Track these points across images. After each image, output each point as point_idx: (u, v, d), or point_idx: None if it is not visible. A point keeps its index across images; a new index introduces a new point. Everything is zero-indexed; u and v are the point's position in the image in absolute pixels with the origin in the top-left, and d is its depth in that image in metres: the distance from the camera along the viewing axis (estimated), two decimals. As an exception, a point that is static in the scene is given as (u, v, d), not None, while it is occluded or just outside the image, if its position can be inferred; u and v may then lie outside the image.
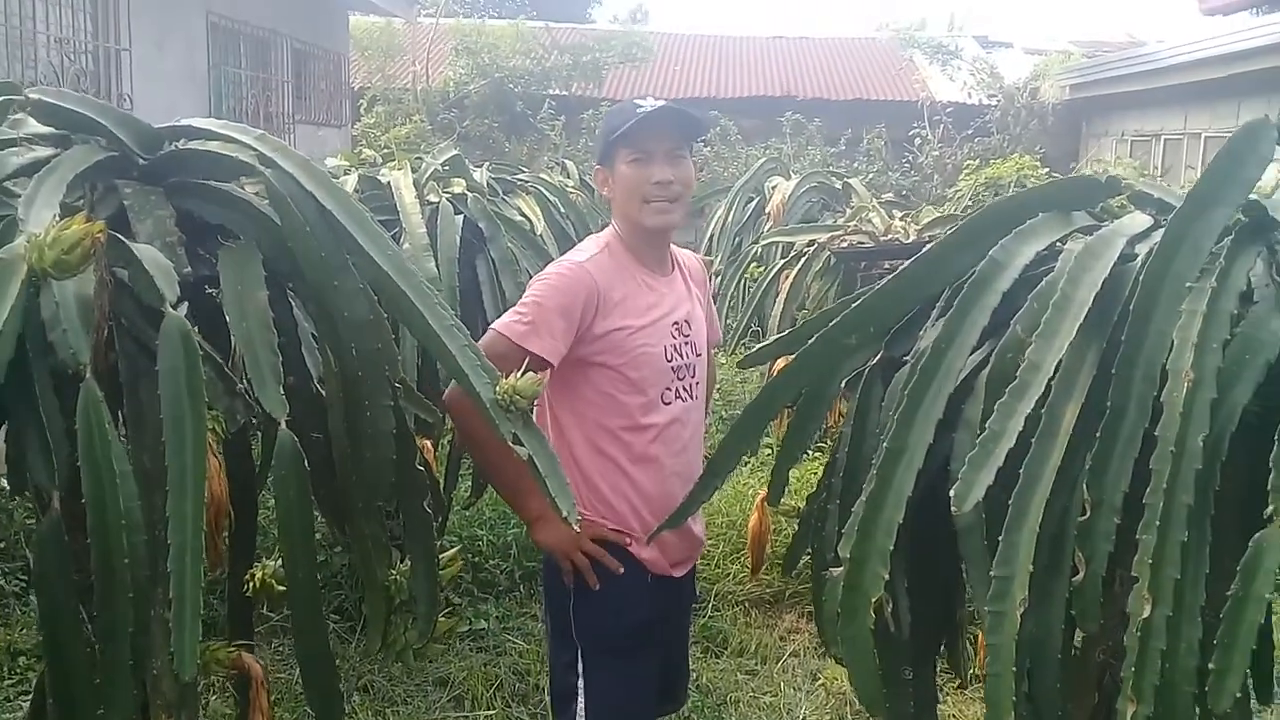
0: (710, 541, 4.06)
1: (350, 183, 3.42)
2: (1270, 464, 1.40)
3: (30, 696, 1.80)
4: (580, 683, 2.18)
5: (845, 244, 4.07)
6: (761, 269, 5.03)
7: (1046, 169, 9.15)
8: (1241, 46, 8.08)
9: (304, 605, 1.60)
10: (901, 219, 4.43)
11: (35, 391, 1.42)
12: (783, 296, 4.31)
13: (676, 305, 2.24)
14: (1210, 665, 1.37)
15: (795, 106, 12.25)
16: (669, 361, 2.19)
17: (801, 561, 2.21)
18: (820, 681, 3.35)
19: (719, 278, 5.73)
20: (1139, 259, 1.64)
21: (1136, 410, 1.49)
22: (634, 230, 2.21)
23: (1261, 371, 1.49)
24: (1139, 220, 1.75)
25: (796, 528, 2.23)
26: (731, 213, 6.87)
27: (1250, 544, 1.37)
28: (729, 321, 5.29)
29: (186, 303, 1.50)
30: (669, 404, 2.20)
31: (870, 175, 10.02)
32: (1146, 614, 1.38)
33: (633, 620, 2.20)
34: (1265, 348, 1.49)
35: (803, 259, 4.34)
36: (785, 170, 7.67)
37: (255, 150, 1.68)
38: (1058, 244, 1.76)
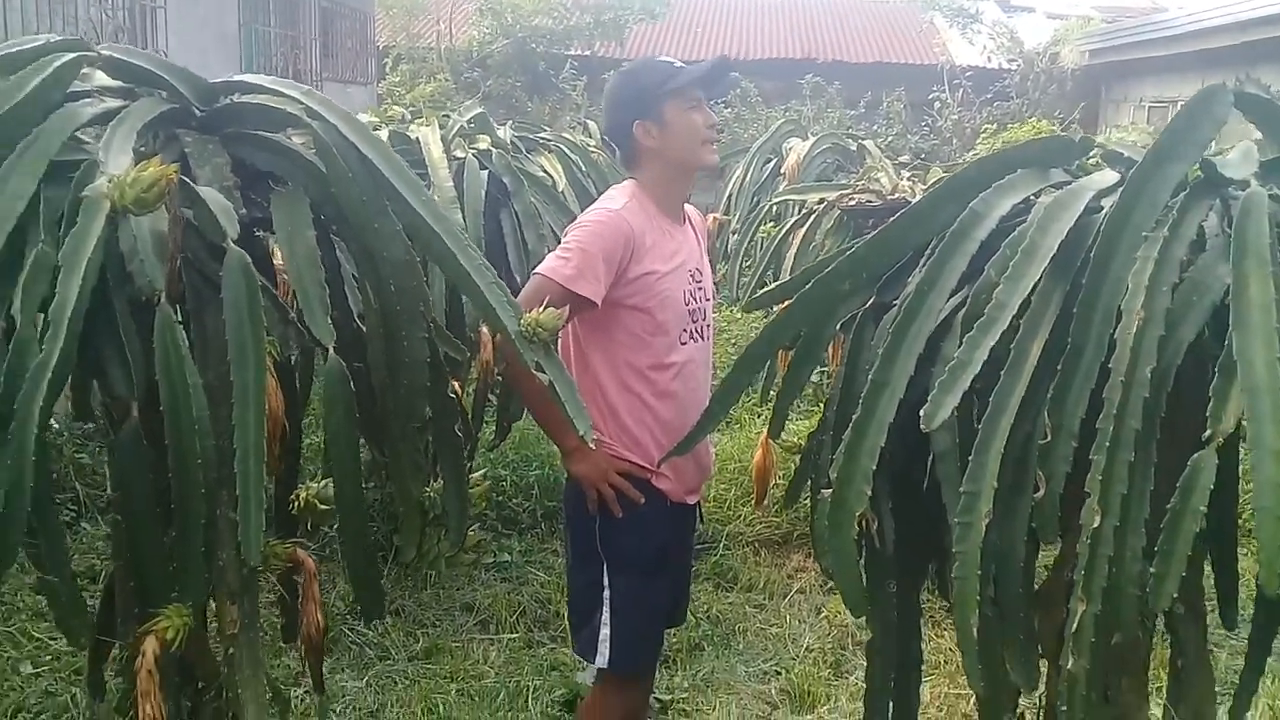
0: (722, 485, 4.27)
1: (381, 138, 3.59)
2: (1210, 393, 1.57)
3: (99, 598, 2.00)
4: (606, 594, 2.38)
5: (853, 202, 4.22)
6: (775, 226, 5.19)
7: (1065, 133, 9.25)
8: (1258, 14, 8.12)
9: (349, 508, 1.80)
10: (909, 178, 4.58)
11: (115, 315, 1.61)
12: (793, 251, 4.48)
13: (691, 253, 2.46)
14: (1151, 570, 1.55)
15: (815, 69, 12.33)
16: (686, 305, 2.40)
17: (803, 498, 2.40)
18: (824, 614, 3.55)
19: (736, 234, 5.89)
20: (1103, 211, 1.80)
21: (1094, 346, 1.66)
22: (680, 175, 2.43)
23: (1208, 312, 1.65)
24: (1107, 176, 1.91)
25: (798, 463, 2.42)
26: (750, 173, 7.00)
27: (1189, 464, 1.54)
28: (744, 278, 5.46)
29: (240, 241, 1.69)
30: (685, 344, 2.41)
31: (889, 138, 10.11)
32: (1096, 524, 1.56)
33: (654, 542, 2.41)
34: (1211, 291, 1.65)
35: (813, 216, 4.51)
36: (804, 132, 7.77)
37: (303, 104, 1.85)
38: (1032, 198, 1.92)
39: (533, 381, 2.16)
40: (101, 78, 1.88)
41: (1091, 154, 2.10)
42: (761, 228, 5.63)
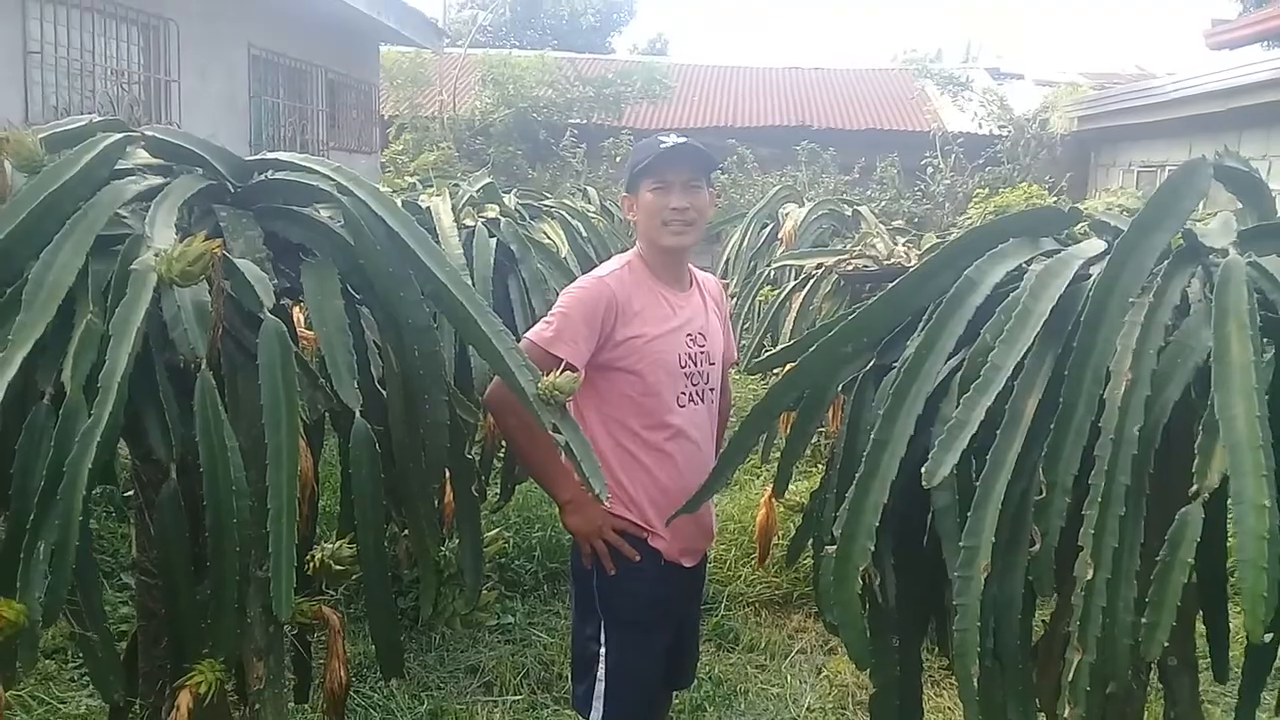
0: (723, 546, 4.32)
1: (404, 211, 3.72)
2: (1195, 450, 1.65)
3: (125, 644, 2.07)
4: (602, 650, 2.45)
5: (851, 267, 4.33)
6: (774, 290, 5.31)
7: (1055, 198, 9.44)
8: (1243, 81, 8.34)
9: (373, 565, 1.87)
10: (904, 244, 4.70)
11: (155, 381, 1.70)
12: (793, 315, 4.58)
13: (692, 317, 2.52)
14: (1144, 619, 1.62)
15: (811, 136, 12.56)
16: (683, 367, 2.46)
17: (804, 558, 2.47)
18: (824, 675, 3.59)
19: (734, 299, 6.00)
20: (1092, 278, 1.89)
21: (1085, 406, 1.74)
22: (653, 249, 2.49)
23: (1191, 373, 1.74)
24: (1095, 245, 2.01)
25: (799, 522, 2.49)
26: (746, 238, 7.15)
27: (1176, 517, 1.62)
28: (744, 341, 5.57)
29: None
30: (683, 407, 2.47)
31: (883, 203, 10.28)
32: (1090, 577, 1.63)
33: (648, 598, 2.47)
34: (1194, 353, 1.75)
35: (811, 281, 4.62)
36: (799, 197, 7.95)
37: (334, 180, 1.96)
38: (1024, 265, 2.02)
39: (526, 435, 2.30)
40: (143, 155, 1.99)
41: (1080, 223, 2.21)
42: (760, 292, 5.75)
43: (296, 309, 2.24)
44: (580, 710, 2.54)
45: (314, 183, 2.01)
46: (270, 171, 2.06)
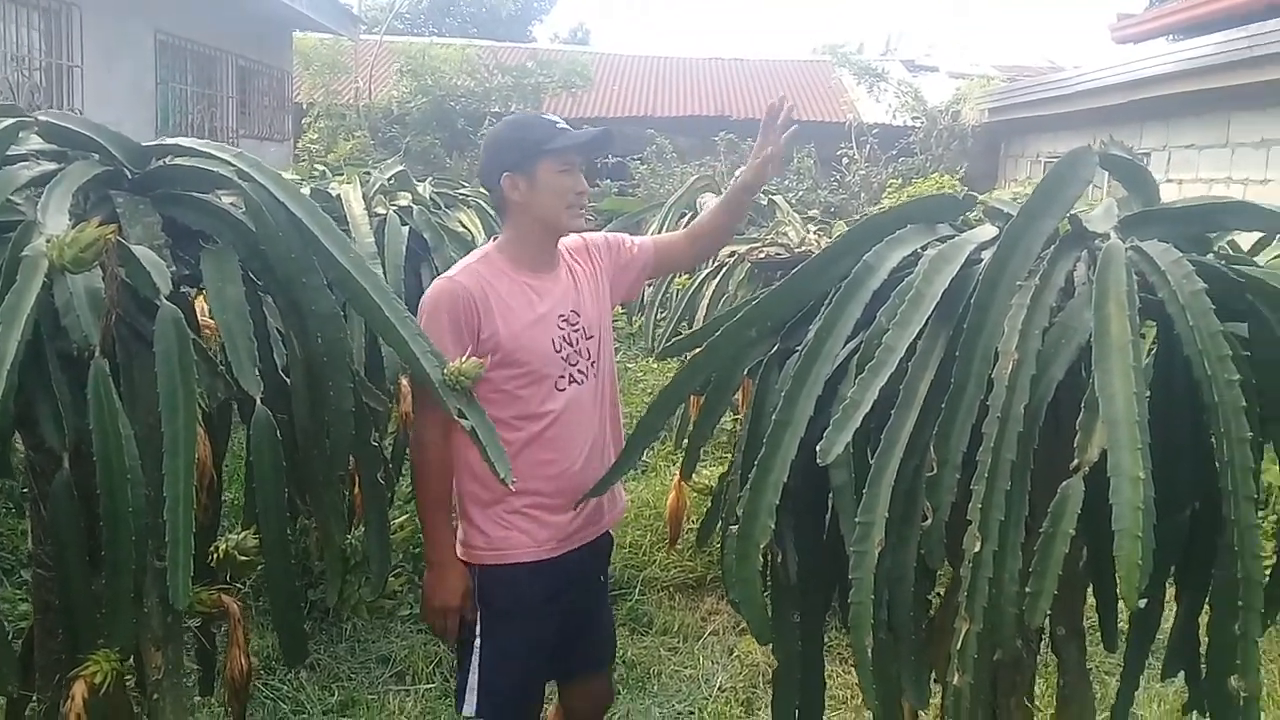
0: (638, 531, 4.37)
1: (308, 196, 3.67)
2: (1077, 426, 1.72)
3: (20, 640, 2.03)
4: (478, 641, 2.40)
5: (763, 255, 4.39)
6: (689, 279, 5.35)
7: (966, 188, 9.65)
8: (1144, 74, 8.61)
9: (275, 552, 1.86)
10: (815, 232, 4.77)
11: (47, 369, 1.67)
12: (706, 302, 4.63)
13: (561, 297, 2.45)
14: (1028, 589, 1.68)
15: (730, 126, 12.66)
16: (558, 351, 2.40)
17: (714, 540, 2.50)
18: (736, 654, 3.65)
19: (650, 287, 6.03)
20: (983, 262, 1.96)
21: (974, 385, 1.80)
22: (542, 233, 2.43)
23: (1075, 352, 1.81)
24: (987, 230, 2.08)
25: (710, 504, 2.53)
26: (664, 227, 7.17)
27: (1059, 491, 1.69)
28: (659, 328, 5.61)
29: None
30: (563, 390, 2.41)
31: (800, 193, 10.42)
32: (977, 549, 1.69)
33: (527, 588, 2.41)
34: (1078, 334, 1.82)
35: (724, 269, 4.68)
36: (717, 187, 7.99)
37: (234, 166, 1.94)
38: (920, 250, 2.08)
39: (424, 484, 2.31)
40: (36, 141, 1.95)
41: (974, 210, 2.29)
42: (676, 280, 5.79)
43: (199, 297, 2.21)
44: (457, 702, 2.47)
45: (214, 168, 1.99)
46: (169, 157, 2.03)
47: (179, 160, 2.01)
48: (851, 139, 12.14)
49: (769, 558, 2.04)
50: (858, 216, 8.18)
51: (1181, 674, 2.10)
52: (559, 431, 2.41)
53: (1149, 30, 11.33)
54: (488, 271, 2.39)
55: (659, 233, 7.28)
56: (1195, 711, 2.11)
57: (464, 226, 4.23)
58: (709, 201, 7.05)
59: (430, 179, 4.93)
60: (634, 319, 7.01)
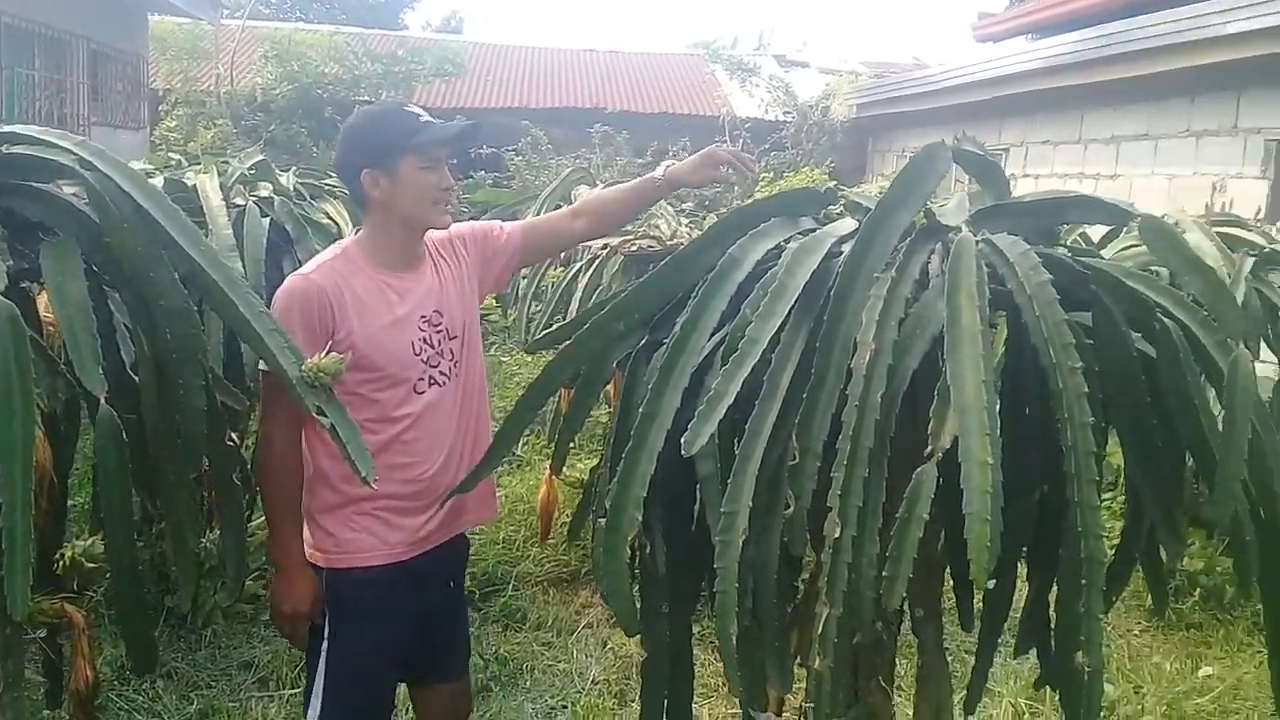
0: (511, 527, 4.34)
1: (157, 186, 3.52)
2: (931, 414, 1.77)
3: None
4: (324, 645, 2.32)
5: (635, 248, 4.41)
6: (563, 271, 5.34)
7: (835, 182, 9.87)
8: (1005, 71, 8.94)
9: (121, 557, 1.78)
10: (687, 225, 4.82)
11: None
12: (579, 295, 4.63)
13: (424, 297, 2.37)
14: (885, 573, 1.73)
15: (604, 118, 12.68)
16: (418, 354, 2.32)
17: (586, 534, 2.50)
18: (609, 647, 3.67)
19: (525, 279, 6.00)
20: (843, 255, 2.00)
21: (834, 375, 1.84)
22: (408, 229, 2.33)
23: (929, 342, 1.87)
24: (847, 224, 2.12)
25: (581, 497, 2.53)
26: (539, 219, 7.14)
27: (914, 476, 1.74)
28: (532, 321, 5.58)
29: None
30: (422, 393, 2.33)
31: (675, 186, 10.47)
32: (837, 535, 1.73)
33: (375, 588, 2.33)
34: (932, 324, 1.87)
35: (597, 261, 4.68)
36: (592, 180, 8.00)
37: (76, 154, 1.84)
38: (784, 243, 2.11)
39: (270, 485, 2.21)
40: None
41: (837, 204, 2.33)
42: (550, 272, 5.77)
43: (41, 293, 2.10)
44: (304, 707, 2.38)
45: (55, 157, 1.89)
46: (6, 146, 1.92)
47: (16, 149, 1.90)
48: (725, 132, 12.29)
49: (638, 549, 2.05)
50: (729, 209, 8.28)
51: (1034, 651, 2.19)
52: (417, 434, 2.33)
53: (1008, 29, 11.77)
54: (345, 269, 2.28)
55: (533, 224, 7.26)
56: (1047, 686, 2.20)
57: (329, 218, 4.12)
58: (584, 194, 7.06)
59: (294, 169, 4.80)
60: (508, 312, 6.96)
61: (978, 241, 1.95)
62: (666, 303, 2.18)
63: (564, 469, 2.49)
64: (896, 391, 1.81)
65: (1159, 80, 6.96)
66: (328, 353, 1.92)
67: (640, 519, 1.87)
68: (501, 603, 3.94)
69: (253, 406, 2.82)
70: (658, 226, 4.57)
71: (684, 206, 7.33)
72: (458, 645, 2.64)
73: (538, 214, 7.29)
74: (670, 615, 2.08)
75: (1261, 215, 6.02)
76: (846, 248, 2.02)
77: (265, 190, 3.81)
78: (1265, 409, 2.15)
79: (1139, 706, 3.32)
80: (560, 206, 7.22)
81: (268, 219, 3.55)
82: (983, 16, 12.56)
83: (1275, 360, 4.26)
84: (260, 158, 4.11)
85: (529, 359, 6.59)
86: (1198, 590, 4.18)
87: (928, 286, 1.96)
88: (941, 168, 2.07)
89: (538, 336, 2.43)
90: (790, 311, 1.91)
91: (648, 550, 2.04)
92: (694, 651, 2.16)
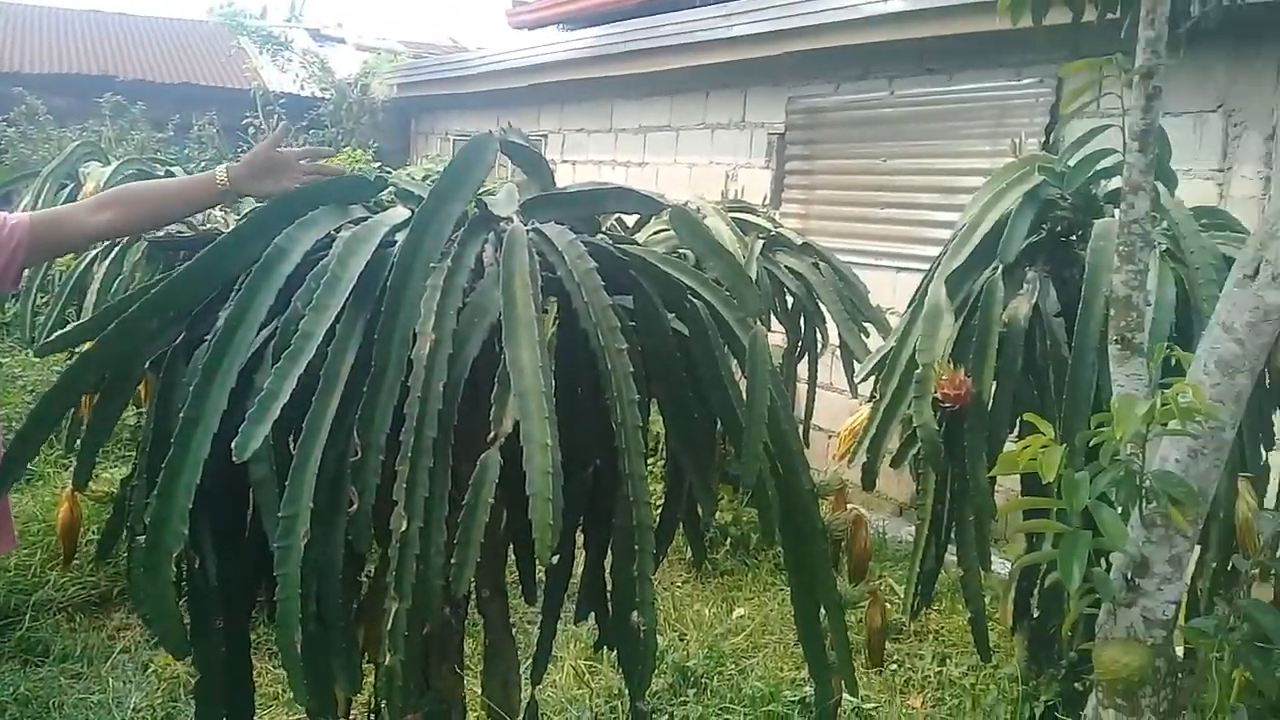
0: (25, 551, 3.83)
1: None
2: (492, 400, 1.81)
3: None
4: None
5: (162, 233, 4.05)
6: (74, 258, 4.77)
7: (379, 163, 9.71)
8: (540, 60, 9.26)
9: None
10: (221, 210, 4.50)
11: None
12: (96, 286, 4.16)
13: None
14: (453, 560, 1.74)
15: (116, 87, 11.45)
16: None
17: (119, 551, 2.27)
18: (153, 670, 3.35)
19: (28, 269, 5.30)
20: (397, 244, 1.97)
21: (395, 367, 1.81)
22: None
23: (487, 330, 1.90)
24: (400, 213, 2.09)
25: (112, 512, 2.28)
26: (41, 199, 6.33)
27: (479, 462, 1.76)
28: (39, 316, 4.94)
29: None
30: None
31: (202, 163, 9.78)
32: (404, 528, 1.71)
33: None
34: (489, 312, 1.90)
35: (117, 247, 4.24)
36: (104, 155, 7.22)
37: None
38: (334, 232, 2.04)
39: None
40: None
41: (387, 190, 2.29)
42: (58, 261, 5.14)
43: None
44: None
45: None
46: None
47: None
48: (258, 108, 11.60)
49: (185, 564, 1.89)
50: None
51: (592, 615, 2.31)
52: None
53: (541, 18, 12.19)
54: None
55: (34, 206, 6.42)
56: (605, 646, 2.34)
57: None
58: (94, 170, 6.34)
59: None
60: (5, 306, 6.13)
61: (528, 231, 2.01)
62: (206, 296, 2.03)
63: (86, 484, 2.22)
64: (458, 380, 1.82)
65: (677, 76, 7.57)
66: None
67: (187, 532, 1.73)
68: (17, 637, 3.46)
69: None
70: (191, 209, 4.23)
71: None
72: None
73: (38, 194, 6.50)
74: (225, 630, 1.95)
75: (767, 201, 6.78)
76: (400, 237, 2.00)
77: None
78: (780, 377, 2.44)
79: (685, 653, 3.63)
80: (66, 185, 6.55)
81: None
82: (517, 4, 12.90)
83: (783, 331, 4.84)
84: None
85: (34, 360, 5.84)
86: (728, 540, 4.64)
87: (483, 275, 1.99)
88: (490, 158, 2.11)
89: (50, 338, 2.15)
90: (345, 303, 1.85)
91: (197, 564, 1.89)
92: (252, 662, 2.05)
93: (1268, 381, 2.63)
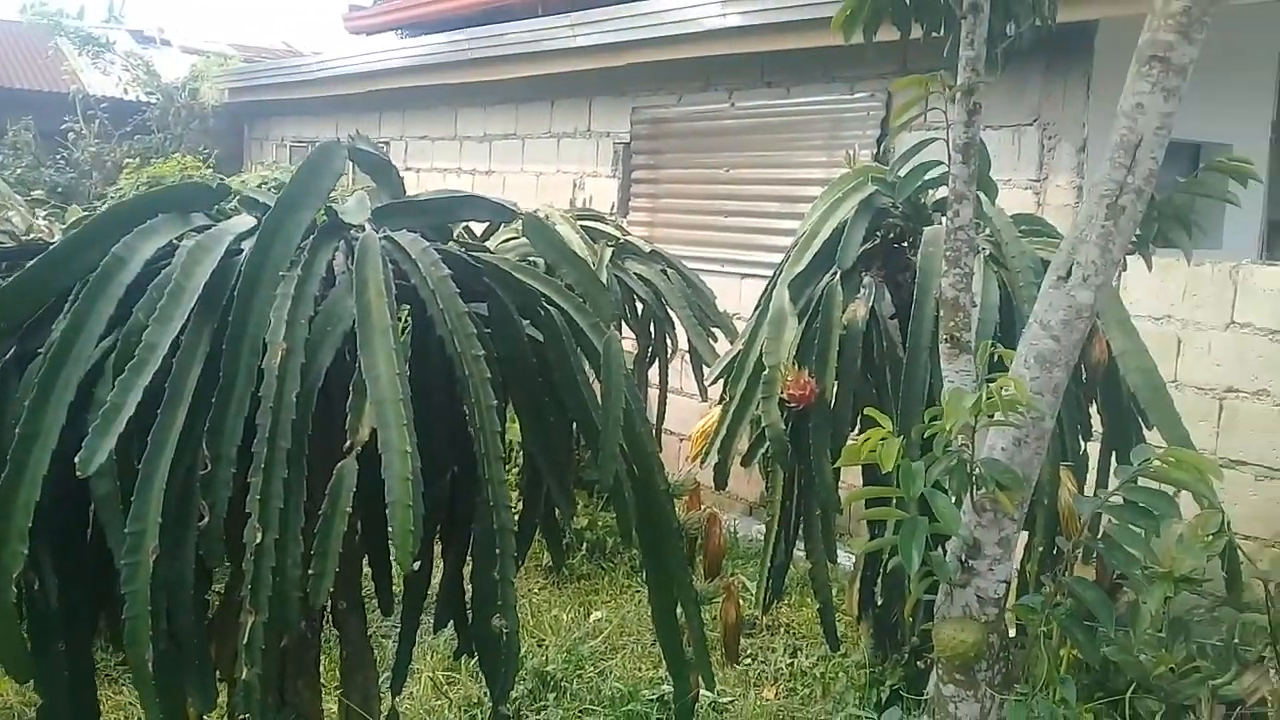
0: None
1: None
2: (348, 409, 1.80)
3: None
4: None
5: (-17, 243, 3.82)
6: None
7: (211, 169, 9.36)
8: (378, 66, 9.10)
9: None
10: (45, 218, 4.27)
11: None
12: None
13: None
14: (310, 571, 1.72)
15: (-80, 89, 10.74)
16: None
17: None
18: (-14, 702, 3.18)
19: None
20: (244, 253, 1.93)
21: (245, 377, 1.78)
22: None
23: (341, 338, 1.88)
24: (245, 221, 2.05)
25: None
26: None
27: (334, 471, 1.75)
28: None
29: None
30: None
31: (19, 170, 9.26)
32: (259, 540, 1.69)
33: None
34: (342, 320, 1.89)
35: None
36: (-91, 162, 6.76)
37: None
38: (176, 241, 1.98)
39: None
40: None
41: (230, 199, 2.24)
42: None
43: None
44: None
45: None
46: None
47: None
48: (78, 112, 11.03)
49: (24, 586, 1.81)
50: (93, 200, 7.54)
51: (451, 623, 2.31)
52: None
53: (379, 24, 11.98)
54: None
55: None
56: (465, 654, 2.34)
57: None
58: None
59: None
60: None
61: (381, 239, 2.00)
62: (38, 308, 1.95)
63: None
64: (312, 389, 1.80)
65: (523, 85, 7.57)
66: None
67: (26, 553, 1.66)
68: None
69: None
70: (9, 219, 4.00)
71: (36, 195, 6.49)
72: None
73: None
74: (68, 653, 1.87)
75: (615, 209, 6.85)
76: (247, 245, 1.96)
77: None
78: (633, 380, 2.49)
79: (544, 658, 3.64)
80: None
81: None
82: (353, 9, 12.66)
83: (633, 337, 4.92)
84: None
85: None
86: (585, 545, 4.68)
87: (335, 284, 1.98)
88: (338, 165, 2.09)
89: None
90: (190, 313, 1.81)
91: (36, 586, 1.81)
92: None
93: (1084, 376, 2.84)
